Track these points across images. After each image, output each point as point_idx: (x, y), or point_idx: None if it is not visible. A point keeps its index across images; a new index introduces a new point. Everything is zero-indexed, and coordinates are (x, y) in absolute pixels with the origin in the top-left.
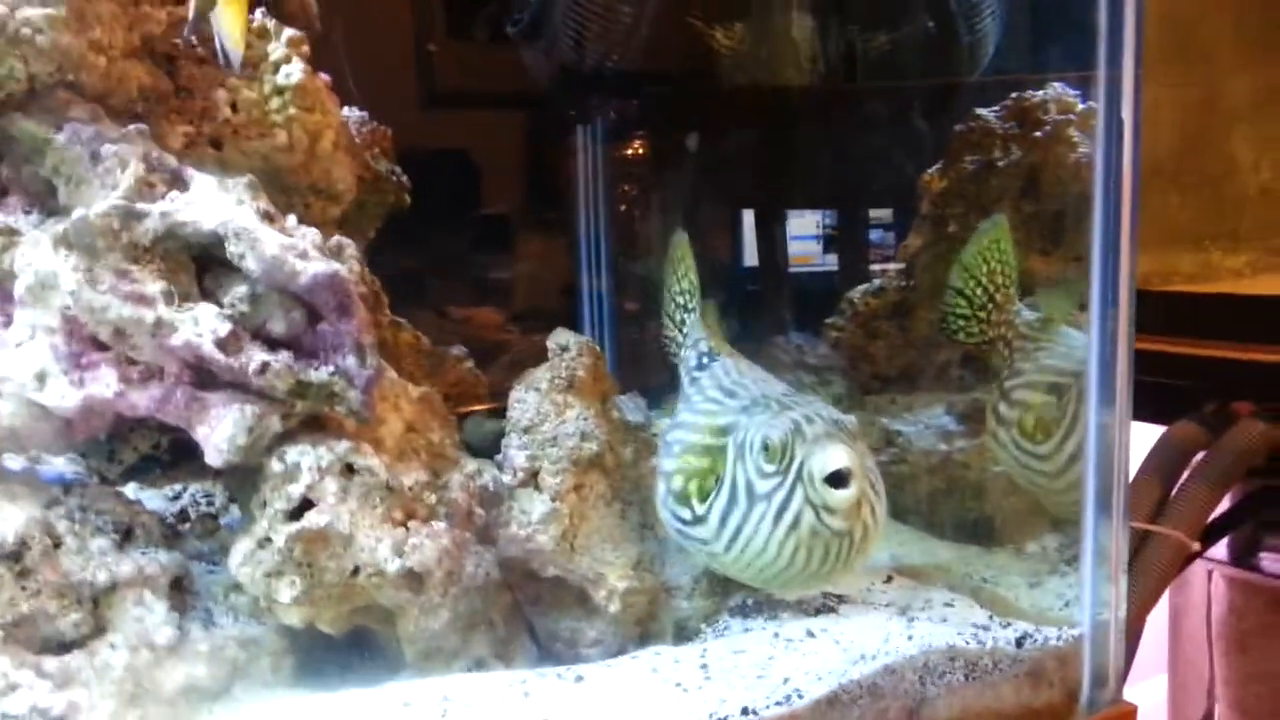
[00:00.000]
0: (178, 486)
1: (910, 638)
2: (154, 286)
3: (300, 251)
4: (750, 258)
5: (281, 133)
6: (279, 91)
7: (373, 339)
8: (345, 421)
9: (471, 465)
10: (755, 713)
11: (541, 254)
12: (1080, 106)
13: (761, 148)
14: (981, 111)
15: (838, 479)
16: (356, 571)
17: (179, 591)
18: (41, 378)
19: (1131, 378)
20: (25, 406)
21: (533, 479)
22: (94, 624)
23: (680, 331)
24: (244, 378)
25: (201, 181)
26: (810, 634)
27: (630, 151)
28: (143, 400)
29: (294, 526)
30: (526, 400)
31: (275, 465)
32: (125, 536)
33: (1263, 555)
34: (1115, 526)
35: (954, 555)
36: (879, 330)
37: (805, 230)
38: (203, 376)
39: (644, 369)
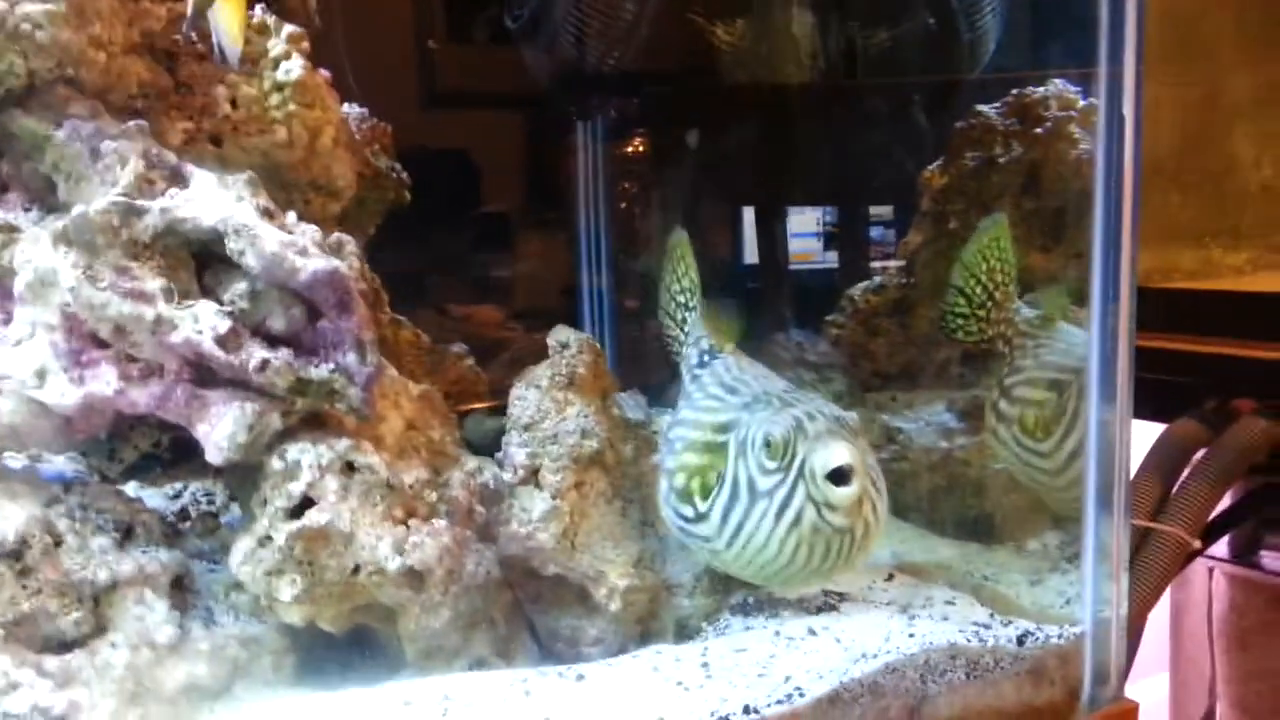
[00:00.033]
0: (178, 485)
1: (912, 636)
2: (154, 283)
3: (300, 248)
4: (750, 255)
5: (281, 129)
6: (279, 88)
7: (373, 336)
8: (345, 419)
9: (472, 463)
10: (757, 711)
11: (542, 252)
12: (1081, 103)
13: (762, 145)
14: (982, 108)
15: (839, 476)
16: (357, 570)
17: (180, 590)
18: (41, 375)
19: (1132, 374)
20: (25, 404)
21: (533, 476)
22: (95, 623)
23: (681, 330)
24: (244, 375)
25: (201, 178)
26: (812, 632)
27: (630, 149)
28: (143, 398)
29: (295, 525)
30: (527, 398)
31: (276, 463)
32: (126, 535)
33: (1264, 553)
34: (1116, 524)
35: (955, 553)
36: (879, 327)
37: (806, 227)
38: (203, 374)
39: (644, 366)
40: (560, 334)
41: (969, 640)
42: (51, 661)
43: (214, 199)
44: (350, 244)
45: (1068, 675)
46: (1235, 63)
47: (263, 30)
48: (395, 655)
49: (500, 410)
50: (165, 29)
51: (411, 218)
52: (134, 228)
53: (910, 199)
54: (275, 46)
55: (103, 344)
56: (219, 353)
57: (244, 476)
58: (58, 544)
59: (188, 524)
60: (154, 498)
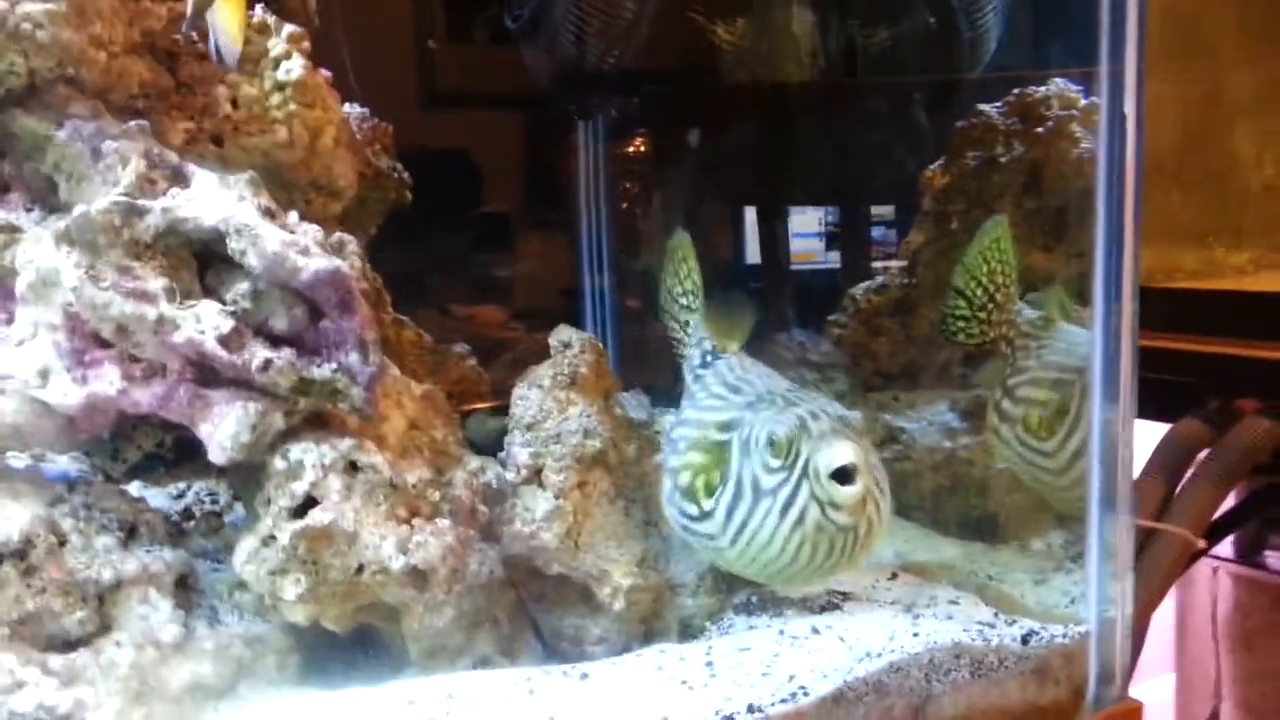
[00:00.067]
0: (182, 485)
1: (916, 635)
2: (156, 283)
3: (302, 248)
4: (752, 255)
5: (282, 129)
6: (280, 87)
7: (375, 335)
8: (348, 419)
9: (475, 463)
10: (761, 710)
11: (543, 252)
12: (1082, 102)
13: (762, 144)
14: (983, 107)
15: (843, 475)
16: (361, 569)
17: (184, 589)
18: (44, 375)
19: (1136, 373)
20: (28, 404)
21: (536, 476)
22: (99, 622)
23: (684, 332)
24: (247, 375)
25: (203, 178)
26: (815, 631)
27: (631, 149)
28: (145, 398)
29: (298, 524)
30: (529, 397)
31: (279, 463)
32: (130, 534)
33: (1268, 553)
34: (1120, 523)
35: (959, 552)
36: (881, 327)
37: (807, 228)
38: (205, 374)
39: (646, 366)
40: (562, 334)
41: (973, 639)
42: (56, 660)
43: (215, 199)
44: (352, 243)
45: (1072, 674)
46: (1237, 60)
47: (263, 30)
48: (399, 654)
49: (503, 410)
50: (166, 29)
51: (412, 218)
52: (136, 227)
53: (912, 198)
54: (276, 46)
55: (105, 344)
56: (221, 352)
57: (247, 476)
58: (62, 543)
59: (191, 523)
60: (158, 497)
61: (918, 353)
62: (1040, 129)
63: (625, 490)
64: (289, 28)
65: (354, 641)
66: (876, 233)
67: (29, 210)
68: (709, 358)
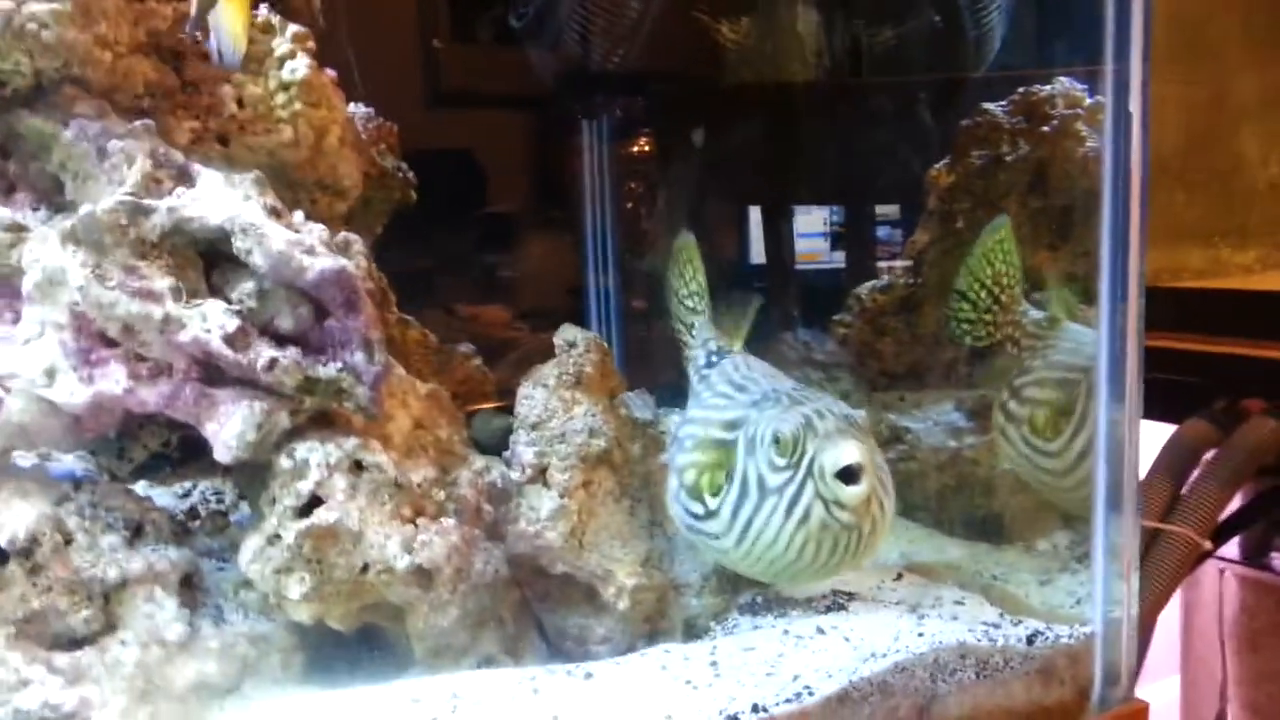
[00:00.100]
0: (187, 484)
1: (921, 635)
2: (162, 282)
3: (307, 247)
4: (757, 255)
5: (287, 128)
6: (285, 87)
7: (380, 335)
8: (354, 418)
9: (480, 462)
10: (765, 710)
11: (548, 252)
12: (1088, 101)
13: (767, 143)
14: (988, 106)
15: (849, 474)
16: (366, 568)
17: (189, 588)
18: (51, 374)
19: (1142, 372)
20: (35, 403)
21: (541, 475)
22: (105, 620)
23: (690, 334)
24: (252, 374)
25: (208, 177)
26: (820, 631)
27: (636, 149)
28: (152, 397)
29: (303, 523)
30: (534, 396)
31: (284, 462)
32: (135, 533)
33: (1274, 555)
34: (1126, 523)
35: (964, 553)
36: (887, 327)
37: (812, 227)
38: (211, 373)
39: (652, 366)
40: (567, 333)
41: (978, 640)
42: (62, 658)
43: (221, 198)
44: (357, 243)
45: (1078, 675)
46: (1242, 62)
47: (268, 29)
48: (404, 653)
49: (508, 410)
50: (171, 29)
51: (418, 218)
52: (141, 227)
53: (917, 198)
54: (280, 46)
55: (111, 343)
56: (227, 351)
57: (252, 475)
58: (68, 542)
59: (197, 523)
60: (163, 496)
61: (923, 352)
62: (1045, 128)
63: (630, 490)
64: (293, 27)
65: (358, 640)
66: (882, 232)
67: (35, 210)
68: (714, 357)
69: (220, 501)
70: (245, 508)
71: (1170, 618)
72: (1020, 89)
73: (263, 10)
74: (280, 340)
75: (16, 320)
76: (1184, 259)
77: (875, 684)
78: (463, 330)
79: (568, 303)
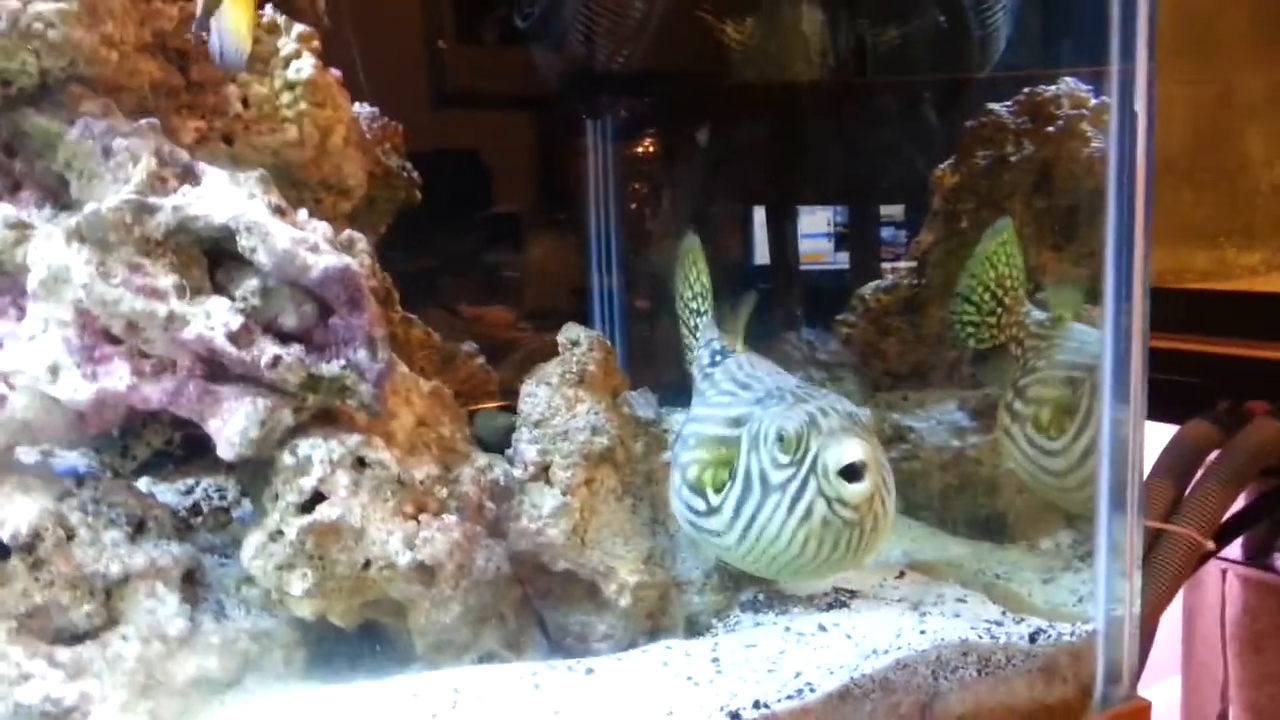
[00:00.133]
0: (190, 481)
1: (923, 632)
2: (166, 280)
3: (311, 245)
4: (761, 256)
5: (292, 128)
6: (290, 86)
7: (384, 333)
8: (357, 415)
9: (482, 459)
10: (767, 706)
11: (552, 252)
12: (1093, 101)
13: (771, 143)
14: (993, 106)
15: (852, 472)
16: (368, 564)
17: (191, 584)
18: (54, 371)
19: (1146, 371)
20: (38, 399)
21: (543, 473)
22: (106, 615)
23: (694, 336)
24: (256, 371)
25: (213, 175)
26: (822, 628)
27: (640, 150)
28: (155, 393)
29: (306, 519)
30: (537, 394)
31: (287, 458)
32: (138, 529)
33: (1277, 555)
34: (1130, 522)
35: (966, 551)
36: (890, 327)
37: (816, 228)
38: (215, 370)
39: (655, 366)
40: (571, 331)
41: (981, 637)
42: (63, 653)
43: (226, 196)
44: (361, 241)
45: (1080, 673)
46: (1248, 61)
47: (273, 29)
48: (405, 649)
49: (511, 411)
50: (176, 28)
51: (423, 219)
52: (146, 225)
53: (921, 198)
54: (286, 45)
55: (115, 340)
56: (231, 349)
57: (255, 472)
58: (70, 537)
59: (199, 519)
60: (166, 493)
61: (927, 352)
62: (1050, 128)
63: (632, 488)
64: (299, 27)
65: (360, 637)
66: (886, 233)
67: (40, 208)
68: (718, 356)
69: (223, 498)
70: (248, 504)
71: (1172, 619)
72: (1025, 89)
73: (268, 10)
74: (284, 338)
75: (21, 317)
76: (1189, 260)
77: (877, 681)
78: (466, 331)
79: (572, 303)
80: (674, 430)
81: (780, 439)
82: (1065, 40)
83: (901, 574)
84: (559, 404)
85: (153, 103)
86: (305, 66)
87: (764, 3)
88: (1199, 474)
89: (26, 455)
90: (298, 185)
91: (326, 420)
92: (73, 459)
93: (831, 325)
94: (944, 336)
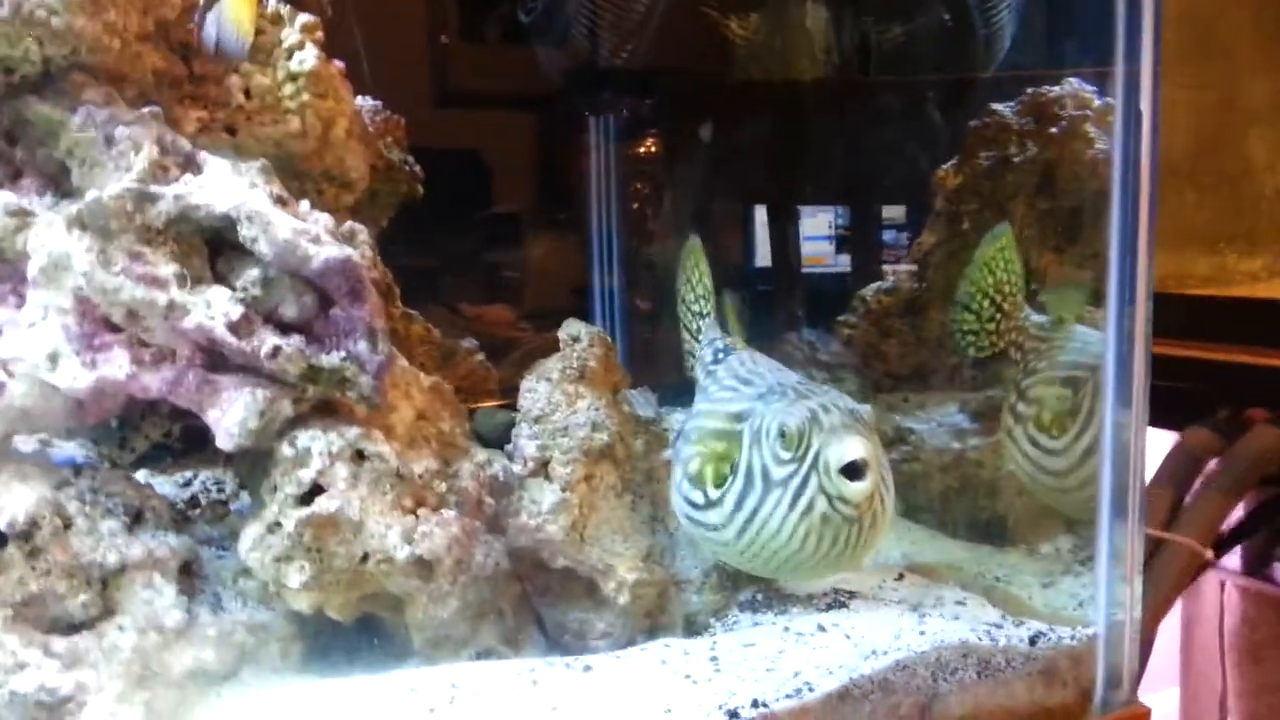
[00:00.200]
0: (188, 474)
1: (923, 634)
2: (167, 269)
3: (313, 236)
4: (763, 257)
5: (295, 119)
6: (293, 77)
7: (385, 325)
8: (356, 407)
9: (482, 454)
10: (766, 705)
11: (554, 252)
12: (1097, 102)
13: (774, 141)
14: (997, 106)
15: (853, 470)
16: (366, 558)
17: (188, 575)
18: (54, 358)
19: (1149, 373)
20: (37, 387)
21: (543, 469)
22: (103, 605)
23: (696, 339)
24: (255, 361)
25: (215, 165)
26: (821, 629)
27: (643, 149)
28: (154, 382)
29: (304, 511)
30: (537, 390)
31: (286, 450)
32: (135, 519)
33: (1277, 566)
34: (1131, 526)
35: (966, 554)
36: (892, 328)
37: (818, 230)
38: (214, 359)
39: (655, 366)
40: (571, 327)
41: (980, 639)
42: (59, 642)
43: (227, 186)
44: (362, 233)
45: (1080, 677)
46: (1252, 66)
47: (276, 20)
48: (403, 644)
49: (510, 408)
50: (179, 18)
51: (424, 217)
52: (147, 213)
53: (924, 197)
54: (289, 36)
55: (115, 328)
56: (231, 338)
57: (254, 464)
58: (67, 526)
59: (197, 511)
60: (164, 486)
61: (928, 354)
62: (1054, 129)
63: (632, 485)
64: (302, 17)
65: (357, 631)
66: (888, 234)
67: (41, 195)
68: (721, 354)
69: (221, 491)
70: (245, 498)
71: (1170, 630)
72: (1029, 89)
73: (272, 1)
74: (284, 328)
75: (21, 304)
76: (1190, 266)
77: (876, 682)
78: (467, 330)
79: (573, 303)
80: (674, 429)
81: (782, 435)
82: (1070, 40)
83: (901, 576)
84: (559, 400)
85: (155, 92)
86: (308, 58)
87: None
88: (1199, 482)
89: (24, 444)
90: (300, 177)
91: (326, 412)
92: (71, 449)
93: (833, 326)
94: (945, 339)
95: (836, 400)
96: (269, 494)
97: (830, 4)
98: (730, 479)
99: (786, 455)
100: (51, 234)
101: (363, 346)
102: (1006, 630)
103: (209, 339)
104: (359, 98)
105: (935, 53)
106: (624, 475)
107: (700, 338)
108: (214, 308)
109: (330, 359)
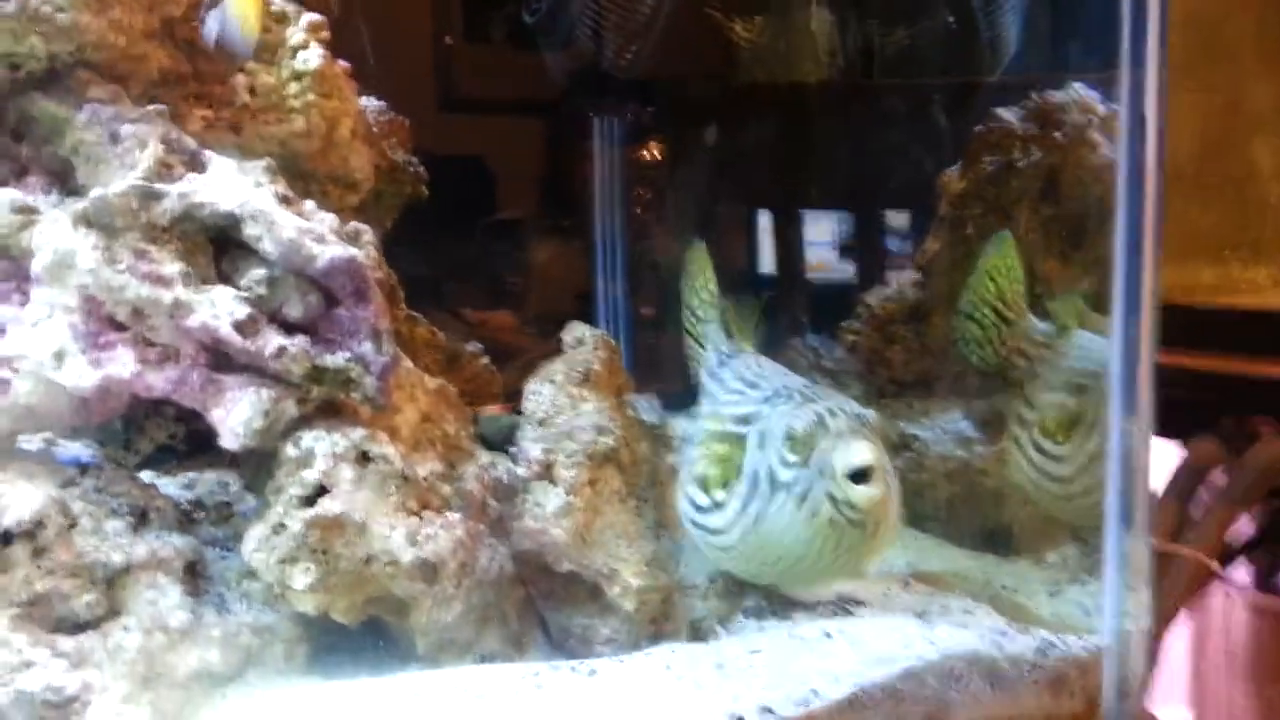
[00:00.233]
0: (192, 476)
1: (931, 642)
2: (172, 267)
3: (317, 235)
4: (766, 263)
5: (299, 118)
6: (297, 77)
7: (389, 325)
8: (361, 408)
9: (486, 457)
10: (772, 711)
11: (558, 257)
12: (1101, 108)
13: (778, 145)
14: (1001, 111)
15: (860, 475)
16: (370, 560)
17: (193, 576)
18: (59, 357)
19: (1154, 380)
20: (43, 385)
21: (547, 472)
22: (108, 605)
23: (700, 344)
24: (260, 361)
25: (219, 163)
26: (827, 636)
27: (646, 154)
28: (159, 381)
29: (308, 513)
30: (542, 393)
31: (290, 450)
32: (140, 519)
33: None
34: (1138, 535)
35: (973, 563)
36: (896, 335)
37: (822, 236)
38: (219, 359)
39: (660, 371)
40: (575, 330)
41: (989, 648)
42: (65, 642)
43: (232, 184)
44: (367, 233)
45: (1088, 686)
46: (1257, 71)
47: (281, 19)
48: (407, 647)
49: (515, 413)
50: (185, 16)
51: (428, 223)
52: (152, 211)
53: (928, 202)
54: (294, 35)
55: (120, 327)
56: (236, 338)
57: (258, 465)
58: (72, 526)
59: (202, 512)
60: (169, 486)
61: (933, 361)
62: (1059, 134)
63: (637, 489)
64: (308, 16)
65: (362, 634)
66: (892, 240)
67: (46, 193)
68: (726, 358)
69: (225, 492)
70: (250, 500)
71: (1180, 645)
72: (1034, 94)
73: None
74: (289, 328)
75: (26, 302)
76: (1195, 275)
77: (885, 690)
78: (471, 335)
79: (577, 308)
80: (678, 435)
81: (789, 438)
82: (1075, 44)
83: (906, 584)
84: (563, 403)
85: (160, 90)
86: (313, 57)
87: (773, 2)
88: (1207, 494)
89: (29, 443)
90: (304, 177)
91: (330, 413)
92: (76, 449)
93: (837, 332)
94: (950, 346)
95: (843, 404)
96: (273, 495)
97: (835, 7)
98: (735, 482)
99: (793, 459)
100: (57, 231)
101: (367, 347)
102: (1015, 639)
103: (214, 338)
104: (363, 98)
105: (939, 56)
106: (629, 480)
107: (705, 343)
108: (219, 307)
109: (335, 359)
